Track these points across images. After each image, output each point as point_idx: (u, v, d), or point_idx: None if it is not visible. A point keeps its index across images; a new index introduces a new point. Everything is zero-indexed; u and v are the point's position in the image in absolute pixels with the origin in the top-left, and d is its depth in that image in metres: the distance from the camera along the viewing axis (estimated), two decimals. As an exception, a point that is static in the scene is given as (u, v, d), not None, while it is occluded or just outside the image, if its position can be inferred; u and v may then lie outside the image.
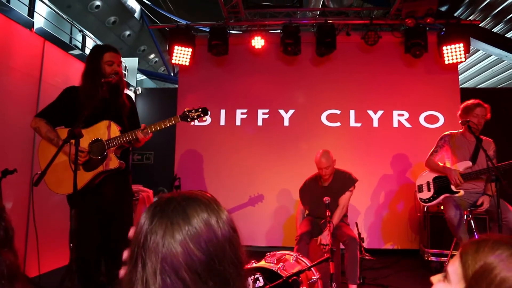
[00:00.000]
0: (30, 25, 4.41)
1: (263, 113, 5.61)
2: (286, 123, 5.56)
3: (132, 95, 6.05)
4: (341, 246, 3.46)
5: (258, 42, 5.30)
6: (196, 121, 2.55)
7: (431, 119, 5.32)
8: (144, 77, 8.50)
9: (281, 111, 5.60)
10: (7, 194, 3.24)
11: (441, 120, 5.30)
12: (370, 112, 5.44)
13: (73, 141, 2.25)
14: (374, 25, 5.25)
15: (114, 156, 2.60)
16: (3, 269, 0.85)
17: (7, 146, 3.82)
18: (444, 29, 5.13)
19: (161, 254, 0.75)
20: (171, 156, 5.64)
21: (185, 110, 2.53)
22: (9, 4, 4.17)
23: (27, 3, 4.62)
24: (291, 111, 5.57)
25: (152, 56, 9.03)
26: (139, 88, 6.25)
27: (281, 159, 5.45)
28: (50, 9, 6.19)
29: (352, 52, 5.56)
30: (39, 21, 5.23)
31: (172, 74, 8.08)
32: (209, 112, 2.57)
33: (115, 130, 2.61)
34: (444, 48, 5.10)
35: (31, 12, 4.75)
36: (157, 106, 6.11)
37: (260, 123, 5.61)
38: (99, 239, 2.61)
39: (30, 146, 4.13)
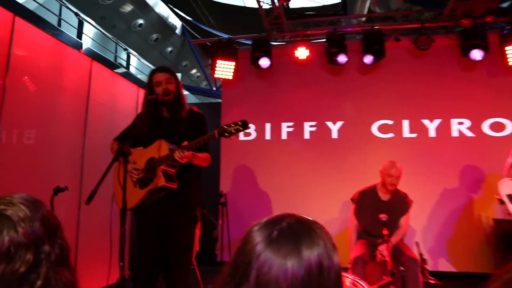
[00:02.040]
0: (79, 46, 4.71)
1: (310, 126, 5.58)
2: (334, 135, 5.51)
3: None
4: (401, 268, 3.35)
5: (302, 52, 5.31)
6: (236, 135, 2.51)
7: (497, 127, 5.10)
8: (187, 92, 8.68)
9: (329, 123, 5.56)
10: (56, 212, 3.50)
11: (509, 127, 5.06)
12: (426, 122, 5.27)
13: (121, 158, 2.34)
14: (426, 28, 5.10)
15: (161, 175, 2.65)
16: (60, 287, 0.88)
17: (58, 164, 4.00)
18: (507, 27, 4.91)
19: (270, 275, 0.77)
20: (216, 172, 5.68)
21: (224, 125, 2.50)
22: (60, 27, 4.49)
23: (75, 25, 4.95)
24: (339, 123, 5.52)
25: (194, 71, 9.29)
26: None
27: (330, 173, 5.40)
28: (96, 30, 6.55)
29: (403, 58, 5.45)
30: (86, 42, 5.57)
31: (214, 89, 8.25)
32: (249, 126, 2.52)
33: (165, 149, 2.67)
34: (508, 48, 4.88)
35: (79, 34, 5.09)
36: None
37: (307, 136, 5.59)
38: (155, 255, 2.66)
39: (79, 164, 4.32)
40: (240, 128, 2.44)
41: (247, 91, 5.86)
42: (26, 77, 3.74)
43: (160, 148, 2.68)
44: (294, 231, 0.81)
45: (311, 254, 0.79)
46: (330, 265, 0.80)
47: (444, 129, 5.22)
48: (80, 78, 4.49)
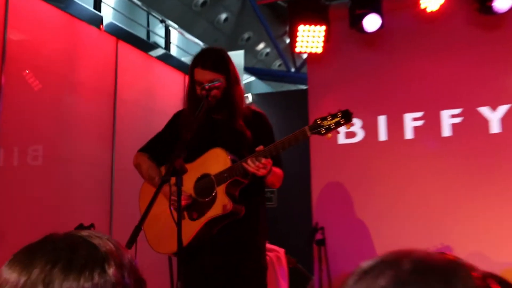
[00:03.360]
0: (98, 22, 4.69)
1: (452, 116, 5.29)
2: (494, 128, 5.10)
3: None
4: None
5: (432, 0, 4.93)
6: (335, 131, 2.68)
7: None
8: (253, 78, 8.70)
9: (484, 110, 5.14)
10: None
11: None
12: None
13: (173, 179, 2.50)
14: None
15: (225, 197, 2.84)
16: None
17: (77, 191, 4.17)
18: None
19: None
20: (305, 193, 5.59)
21: (317, 118, 2.69)
22: (67, -4, 4.47)
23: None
24: (503, 108, 5.10)
25: (261, 46, 9.43)
26: (249, 94, 6.40)
27: (496, 191, 5.02)
28: (118, -4, 6.67)
29: None
30: (107, 15, 5.61)
31: (293, 70, 8.23)
32: (353, 118, 2.67)
33: (225, 160, 2.88)
34: None
35: (97, 4, 5.07)
36: (276, 118, 6.01)
37: (447, 132, 5.27)
38: None
39: (107, 190, 4.49)
40: (342, 120, 2.62)
41: (346, 69, 5.72)
42: (27, 71, 3.85)
43: (218, 160, 2.91)
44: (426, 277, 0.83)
45: None
46: None
47: None
48: (102, 67, 4.60)
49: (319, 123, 2.67)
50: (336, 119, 2.65)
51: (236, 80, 3.09)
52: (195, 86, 3.04)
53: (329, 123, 2.65)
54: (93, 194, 4.39)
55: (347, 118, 2.65)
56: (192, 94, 3.08)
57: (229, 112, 3.07)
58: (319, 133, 2.66)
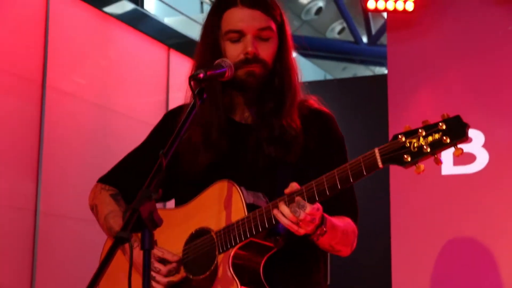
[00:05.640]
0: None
1: None
2: None
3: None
4: None
5: None
6: (435, 158, 1.84)
7: None
8: (294, 54, 8.15)
9: None
10: None
11: None
12: None
13: (135, 240, 2.13)
14: None
15: (231, 274, 2.26)
16: None
17: None
18: None
19: None
20: (380, 259, 5.28)
21: (398, 135, 1.94)
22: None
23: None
24: None
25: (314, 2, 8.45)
26: None
27: None
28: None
29: None
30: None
31: (365, 41, 7.80)
32: (467, 131, 1.78)
33: (237, 204, 2.27)
34: None
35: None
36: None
37: None
38: None
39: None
40: (446, 138, 1.88)
41: (455, 41, 4.83)
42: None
43: (226, 203, 2.34)
44: None
45: None
46: None
47: None
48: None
49: (402, 143, 1.89)
50: (436, 136, 1.85)
51: (288, 46, 2.42)
52: (224, 44, 2.34)
53: (421, 143, 1.86)
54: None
55: (456, 134, 1.80)
56: (208, 68, 2.21)
57: (274, 108, 2.36)
58: (400, 162, 1.88)
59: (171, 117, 2.61)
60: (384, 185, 5.00)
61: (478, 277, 4.87)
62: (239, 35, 2.34)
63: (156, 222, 1.89)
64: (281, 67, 2.46)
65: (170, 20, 7.76)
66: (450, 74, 4.86)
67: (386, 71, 5.37)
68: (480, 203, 4.68)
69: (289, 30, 2.55)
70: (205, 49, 2.45)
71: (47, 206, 4.84)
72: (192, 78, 2.12)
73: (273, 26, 2.42)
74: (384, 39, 6.66)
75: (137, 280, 2.15)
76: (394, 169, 4.49)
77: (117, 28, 6.33)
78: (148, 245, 1.84)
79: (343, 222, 2.30)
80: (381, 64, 6.89)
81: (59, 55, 5.22)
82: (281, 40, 2.48)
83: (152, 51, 6.46)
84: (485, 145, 4.59)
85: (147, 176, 2.36)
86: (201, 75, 2.10)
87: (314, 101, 2.59)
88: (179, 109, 2.60)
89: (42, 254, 4.72)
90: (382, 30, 7.84)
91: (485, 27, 4.93)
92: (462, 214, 4.78)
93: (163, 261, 2.35)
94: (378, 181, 4.89)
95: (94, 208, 2.60)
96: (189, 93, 2.39)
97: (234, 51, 2.33)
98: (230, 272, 2.25)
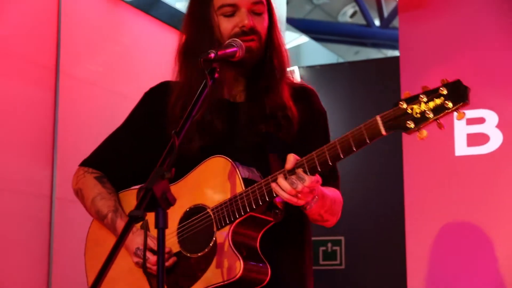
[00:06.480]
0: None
1: None
2: None
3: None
4: None
5: None
6: (437, 123, 1.84)
7: None
8: (304, 37, 7.82)
9: None
10: None
11: None
12: None
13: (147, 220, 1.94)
14: None
15: (231, 250, 2.20)
16: None
17: None
18: None
19: None
20: (394, 245, 5.16)
21: (399, 101, 1.92)
22: None
23: None
24: None
25: None
26: (295, 68, 5.95)
27: None
28: None
29: None
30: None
31: (378, 24, 7.30)
32: (468, 97, 1.79)
33: (233, 179, 2.25)
34: None
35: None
36: (343, 108, 5.74)
37: None
38: None
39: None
40: (447, 102, 1.85)
41: (470, 22, 4.78)
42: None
43: (222, 179, 2.28)
44: None
45: None
46: None
47: None
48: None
49: (404, 109, 1.89)
50: (438, 101, 1.82)
51: (275, 22, 2.48)
52: (216, 19, 2.35)
53: (423, 108, 1.85)
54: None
55: (458, 98, 1.78)
56: (198, 42, 2.36)
57: (265, 87, 2.37)
58: (403, 129, 1.87)
59: (152, 95, 2.65)
60: (397, 165, 4.96)
61: (491, 254, 4.81)
62: (233, 9, 2.34)
63: (170, 201, 1.88)
64: (272, 43, 2.47)
65: (181, 5, 7.73)
66: (463, 55, 4.82)
67: (398, 54, 5.51)
68: (494, 184, 4.63)
69: (274, 7, 2.57)
70: (196, 24, 2.45)
71: (62, 192, 4.82)
72: (203, 58, 2.11)
73: (264, 0, 2.42)
74: (396, 22, 6.65)
75: (128, 263, 2.45)
76: (407, 151, 4.62)
77: (129, 13, 6.23)
78: (162, 224, 1.83)
79: (331, 192, 2.34)
80: (394, 47, 6.97)
81: (72, 41, 5.19)
82: (270, 16, 2.48)
83: (164, 36, 6.37)
84: (498, 126, 4.55)
85: (130, 157, 2.58)
86: (212, 55, 2.10)
87: (298, 81, 2.70)
88: (160, 86, 2.63)
89: (58, 239, 4.77)
90: (394, 13, 7.88)
91: (499, 8, 4.87)
92: (476, 195, 4.71)
93: (154, 251, 2.32)
94: (391, 161, 4.89)
95: (78, 192, 2.60)
96: (177, 70, 2.52)
97: (228, 25, 2.33)
98: (231, 247, 2.24)
